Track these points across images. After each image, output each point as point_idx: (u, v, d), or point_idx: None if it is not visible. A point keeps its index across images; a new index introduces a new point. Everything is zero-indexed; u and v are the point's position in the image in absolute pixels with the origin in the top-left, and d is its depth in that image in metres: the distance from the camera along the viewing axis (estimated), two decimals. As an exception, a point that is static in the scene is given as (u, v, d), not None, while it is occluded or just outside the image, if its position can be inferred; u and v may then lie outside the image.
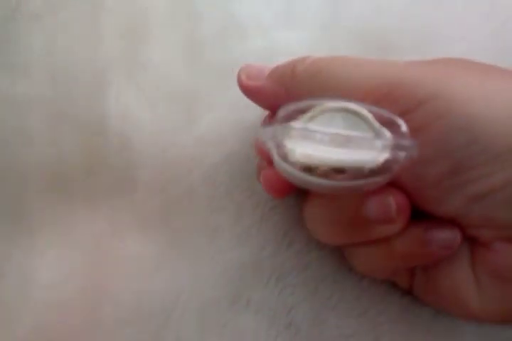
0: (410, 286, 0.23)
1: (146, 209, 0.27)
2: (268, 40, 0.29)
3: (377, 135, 0.17)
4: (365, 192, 0.20)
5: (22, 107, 0.28)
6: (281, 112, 0.18)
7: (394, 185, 0.19)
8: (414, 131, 0.18)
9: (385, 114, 0.18)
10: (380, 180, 0.18)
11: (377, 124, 0.17)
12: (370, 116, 0.17)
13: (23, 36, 0.30)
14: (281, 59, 0.28)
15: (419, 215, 0.20)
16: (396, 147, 0.16)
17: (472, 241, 0.20)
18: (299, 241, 0.25)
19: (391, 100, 0.19)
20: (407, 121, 0.18)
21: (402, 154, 0.17)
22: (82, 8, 0.30)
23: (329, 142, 0.16)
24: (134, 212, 0.27)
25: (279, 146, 0.17)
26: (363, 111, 0.17)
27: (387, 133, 0.17)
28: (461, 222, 0.20)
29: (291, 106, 0.18)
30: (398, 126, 0.17)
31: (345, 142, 0.16)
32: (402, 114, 0.18)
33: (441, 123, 0.18)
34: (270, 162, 0.23)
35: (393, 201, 0.19)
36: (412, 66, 0.20)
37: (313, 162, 0.17)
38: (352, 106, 0.17)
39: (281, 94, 0.22)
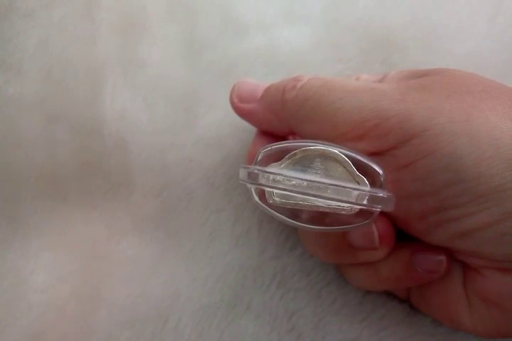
0: (407, 297, 0.23)
1: (142, 211, 0.26)
2: (269, 38, 0.28)
3: (355, 183, 0.18)
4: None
5: (16, 107, 0.28)
6: (262, 153, 0.19)
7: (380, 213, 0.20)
8: (400, 167, 0.18)
9: (365, 160, 0.18)
10: (362, 223, 0.18)
11: (355, 172, 0.18)
12: (349, 163, 0.18)
13: (16, 34, 0.29)
14: (282, 57, 0.28)
15: (408, 237, 0.21)
16: (372, 199, 0.17)
17: (464, 264, 0.20)
18: (301, 244, 0.25)
19: (378, 134, 0.18)
20: (393, 157, 0.18)
21: (377, 206, 0.17)
22: (77, 5, 0.29)
23: (306, 188, 0.17)
24: (130, 214, 0.26)
25: (258, 188, 0.18)
26: (342, 157, 0.18)
27: (364, 182, 0.18)
28: (448, 249, 0.20)
29: (272, 147, 0.19)
30: (377, 175, 0.18)
31: (322, 189, 0.17)
32: (389, 149, 0.18)
33: (426, 161, 0.18)
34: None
35: (376, 230, 0.20)
36: (401, 95, 0.19)
37: (290, 204, 0.18)
38: (331, 151, 0.18)
39: (273, 119, 0.22)
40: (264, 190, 0.18)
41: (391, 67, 0.27)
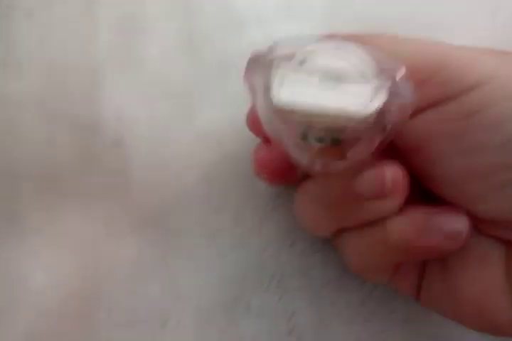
0: (417, 291, 0.20)
1: (141, 210, 0.26)
2: (268, 34, 0.28)
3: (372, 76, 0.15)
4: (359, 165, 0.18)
5: (14, 106, 0.28)
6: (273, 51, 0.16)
7: (425, 172, 0.18)
8: (470, 114, 0.16)
9: (384, 59, 0.16)
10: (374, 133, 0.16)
11: (374, 68, 0.15)
12: (367, 58, 0.15)
13: (16, 33, 0.29)
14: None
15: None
16: (393, 88, 0.15)
17: (510, 245, 0.18)
18: (302, 242, 0.25)
19: (437, 82, 0.17)
20: (460, 104, 0.16)
21: (397, 99, 0.15)
22: (77, 3, 0.29)
23: (320, 77, 0.15)
24: (129, 213, 0.26)
25: (265, 86, 0.15)
26: (360, 51, 0.16)
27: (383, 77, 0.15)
28: (503, 223, 0.18)
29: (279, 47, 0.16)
30: (397, 71, 0.15)
31: (338, 77, 0.15)
32: (456, 96, 0.17)
33: (501, 107, 0.16)
34: (265, 140, 0.21)
35: (388, 171, 0.17)
36: (462, 47, 0.18)
37: (296, 107, 0.15)
38: (347, 45, 0.16)
39: None
40: (269, 94, 0.15)
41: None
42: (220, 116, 0.27)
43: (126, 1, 0.29)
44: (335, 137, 0.17)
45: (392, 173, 0.17)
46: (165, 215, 0.26)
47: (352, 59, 0.15)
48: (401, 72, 0.15)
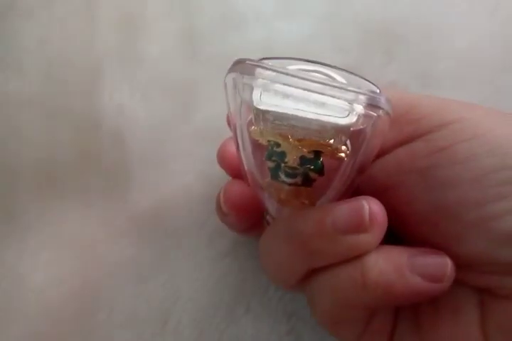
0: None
1: (141, 209, 0.26)
2: (268, 31, 0.28)
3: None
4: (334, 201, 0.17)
5: (15, 105, 0.28)
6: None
7: (395, 213, 0.17)
8: (438, 150, 0.16)
9: (361, 81, 0.16)
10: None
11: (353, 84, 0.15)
12: (343, 81, 0.16)
13: (16, 32, 0.29)
14: (281, 49, 0.27)
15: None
16: (372, 100, 0.14)
17: (485, 293, 0.17)
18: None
19: (409, 119, 0.17)
20: (428, 141, 0.17)
21: (376, 111, 0.15)
22: (77, 2, 0.29)
23: (302, 87, 0.14)
24: (129, 212, 0.26)
25: (244, 88, 0.15)
26: (336, 75, 0.16)
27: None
28: (479, 267, 0.17)
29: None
30: (374, 88, 0.16)
31: (321, 88, 0.14)
32: (423, 134, 0.17)
33: (468, 144, 0.16)
34: (235, 175, 0.21)
35: (366, 204, 0.16)
36: (430, 95, 0.18)
37: (275, 109, 0.15)
38: (325, 69, 0.16)
39: None
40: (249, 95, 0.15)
41: (392, 58, 0.27)
42: (220, 114, 0.27)
43: (126, 0, 0.29)
44: (307, 174, 0.17)
45: (370, 205, 0.16)
46: (165, 215, 0.26)
47: (332, 76, 0.16)
48: (378, 89, 0.15)
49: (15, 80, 0.28)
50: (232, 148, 0.19)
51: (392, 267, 0.16)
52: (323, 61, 0.28)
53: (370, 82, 0.16)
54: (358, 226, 0.16)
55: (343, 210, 0.17)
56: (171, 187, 0.26)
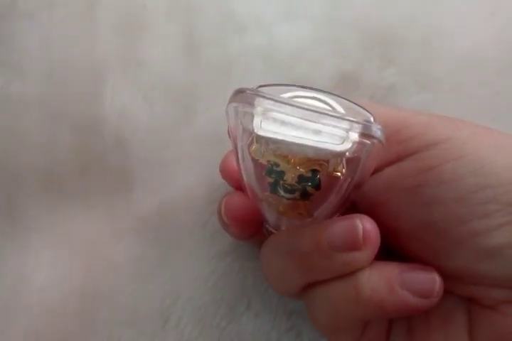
0: None
1: (143, 210, 0.26)
2: (268, 36, 0.28)
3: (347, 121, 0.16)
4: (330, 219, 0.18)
5: (17, 107, 0.28)
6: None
7: (386, 228, 0.18)
8: (425, 170, 0.17)
9: (355, 107, 0.16)
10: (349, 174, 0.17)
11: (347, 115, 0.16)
12: (339, 107, 0.16)
13: (17, 34, 0.29)
14: (281, 54, 0.28)
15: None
16: (366, 129, 0.15)
17: (472, 303, 0.18)
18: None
19: (399, 139, 0.18)
20: (416, 161, 0.17)
21: (370, 139, 0.15)
22: (78, 4, 0.29)
23: (300, 115, 0.15)
24: (130, 212, 0.26)
25: (245, 117, 0.16)
26: (332, 101, 0.17)
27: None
28: (465, 279, 0.18)
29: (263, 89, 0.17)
30: (369, 116, 0.16)
31: (317, 117, 0.15)
32: (412, 154, 0.18)
33: (453, 164, 0.17)
34: (237, 186, 0.22)
35: (360, 223, 0.17)
36: (419, 113, 0.19)
37: (275, 136, 0.16)
38: (322, 95, 0.17)
39: None
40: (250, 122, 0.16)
41: (391, 62, 0.27)
42: (220, 116, 0.27)
43: (127, 2, 0.29)
44: (305, 189, 0.17)
45: (364, 224, 0.17)
46: (165, 215, 0.26)
47: (329, 103, 0.16)
48: (372, 117, 0.16)
49: (16, 82, 0.28)
50: (233, 161, 0.19)
51: (383, 283, 0.17)
52: (324, 66, 0.28)
53: (364, 108, 0.16)
54: (353, 245, 0.17)
55: (339, 228, 0.18)
56: (173, 188, 0.26)
